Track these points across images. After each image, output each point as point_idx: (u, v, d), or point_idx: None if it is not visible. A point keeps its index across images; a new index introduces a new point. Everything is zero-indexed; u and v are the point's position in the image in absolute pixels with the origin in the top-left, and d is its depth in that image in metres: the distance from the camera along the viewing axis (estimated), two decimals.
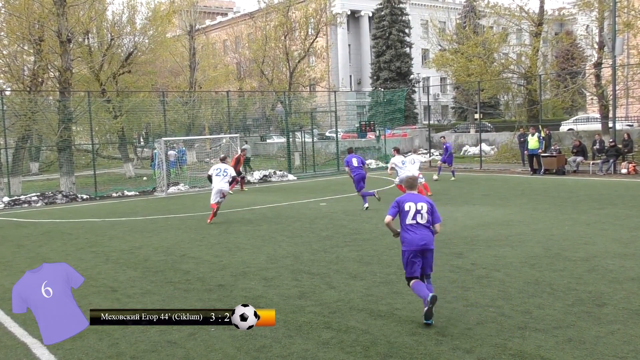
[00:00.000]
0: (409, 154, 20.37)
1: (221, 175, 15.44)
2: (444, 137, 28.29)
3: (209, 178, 15.81)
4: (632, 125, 36.28)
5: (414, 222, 6.94)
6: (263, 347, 6.22)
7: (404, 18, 61.97)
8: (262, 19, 39.70)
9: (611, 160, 23.88)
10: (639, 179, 21.68)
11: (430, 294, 6.60)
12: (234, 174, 16.17)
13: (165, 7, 35.31)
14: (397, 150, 18.92)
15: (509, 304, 7.31)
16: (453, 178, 23.69)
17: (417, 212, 6.94)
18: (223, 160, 16.67)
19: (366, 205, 16.20)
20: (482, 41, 32.46)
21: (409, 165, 17.86)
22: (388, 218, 7.12)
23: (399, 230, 7.15)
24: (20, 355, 6.36)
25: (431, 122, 44.33)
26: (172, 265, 10.27)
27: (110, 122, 30.11)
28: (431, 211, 7.02)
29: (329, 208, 16.92)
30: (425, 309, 6.60)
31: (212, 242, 12.34)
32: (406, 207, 6.98)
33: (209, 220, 15.21)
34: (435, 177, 23.56)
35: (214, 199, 15.35)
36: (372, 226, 13.44)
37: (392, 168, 18.30)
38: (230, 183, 16.53)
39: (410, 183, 7.46)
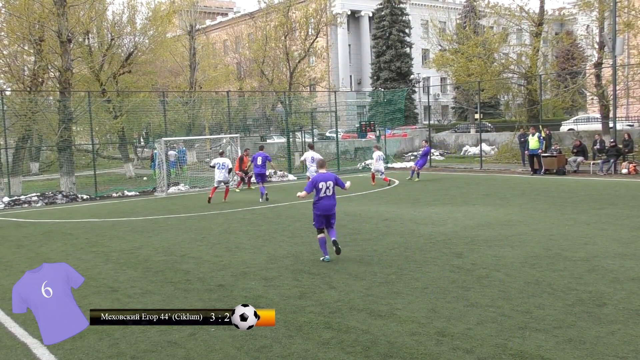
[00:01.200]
0: (375, 150, 24.10)
1: (221, 168, 19.71)
2: (426, 141, 27.95)
3: (213, 167, 20.37)
4: (632, 125, 36.29)
5: (324, 195, 10.01)
6: (263, 347, 6.21)
7: (404, 18, 62.00)
8: (262, 19, 39.69)
9: (612, 160, 23.88)
10: (639, 179, 21.67)
11: (334, 238, 10.04)
12: (230, 166, 20.42)
13: (165, 7, 35.33)
14: (312, 147, 21.80)
15: (509, 304, 7.31)
16: (409, 178, 24.30)
17: (327, 188, 10.00)
18: (221, 155, 21.15)
19: (263, 198, 19.46)
20: (482, 41, 32.47)
21: (376, 161, 23.15)
22: (304, 193, 10.11)
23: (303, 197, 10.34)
24: (20, 355, 6.36)
25: (431, 122, 44.33)
26: (172, 266, 10.27)
27: (111, 122, 30.11)
28: (336, 183, 10.16)
29: None
30: (335, 248, 10.00)
31: (213, 242, 12.34)
32: (320, 186, 9.97)
33: (210, 197, 19.41)
34: (412, 178, 24.32)
35: (215, 185, 19.93)
36: (372, 226, 13.44)
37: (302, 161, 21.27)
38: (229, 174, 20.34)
39: (321, 164, 10.63)
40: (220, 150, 22.48)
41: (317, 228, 10.21)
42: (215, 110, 35.84)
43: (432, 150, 35.60)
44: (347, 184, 10.40)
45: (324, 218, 10.09)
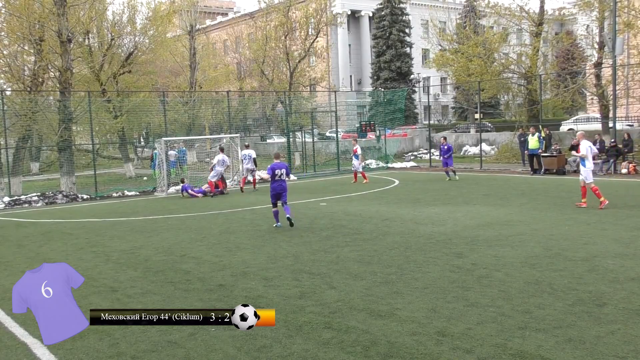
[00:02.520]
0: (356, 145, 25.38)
1: (246, 159, 23.22)
2: (445, 138, 26.52)
3: (242, 161, 23.54)
4: (632, 125, 36.26)
5: (279, 179, 13.62)
6: (263, 347, 6.22)
7: (404, 18, 61.94)
8: (262, 19, 39.67)
9: (611, 160, 23.89)
10: (639, 179, 21.67)
11: (288, 216, 13.48)
12: (254, 156, 23.46)
13: (165, 7, 35.32)
14: (222, 150, 23.05)
15: (509, 303, 7.31)
16: (457, 178, 23.72)
17: (281, 174, 13.63)
18: (247, 147, 24.24)
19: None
20: (483, 41, 32.47)
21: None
22: (267, 176, 13.96)
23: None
24: (20, 355, 6.36)
25: (431, 122, 44.33)
26: (172, 265, 10.27)
27: (111, 122, 30.11)
28: (287, 172, 13.84)
29: (329, 208, 16.94)
30: (288, 222, 13.53)
31: (213, 242, 12.34)
32: (276, 172, 13.58)
33: (241, 187, 22.85)
34: (451, 178, 23.63)
35: (244, 174, 23.33)
36: (372, 226, 13.45)
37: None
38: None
39: (277, 155, 14.40)
40: (246, 143, 25.19)
41: (272, 203, 13.91)
42: (215, 110, 35.79)
43: (432, 151, 35.58)
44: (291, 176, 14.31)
45: (277, 195, 13.73)
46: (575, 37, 42.66)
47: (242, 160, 23.74)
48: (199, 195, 21.87)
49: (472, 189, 20.55)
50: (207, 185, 22.29)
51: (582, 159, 15.07)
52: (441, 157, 24.40)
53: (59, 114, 24.26)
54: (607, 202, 14.81)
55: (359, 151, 24.94)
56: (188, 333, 6.68)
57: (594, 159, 16.71)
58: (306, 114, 34.31)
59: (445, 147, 23.84)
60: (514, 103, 37.28)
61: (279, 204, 13.82)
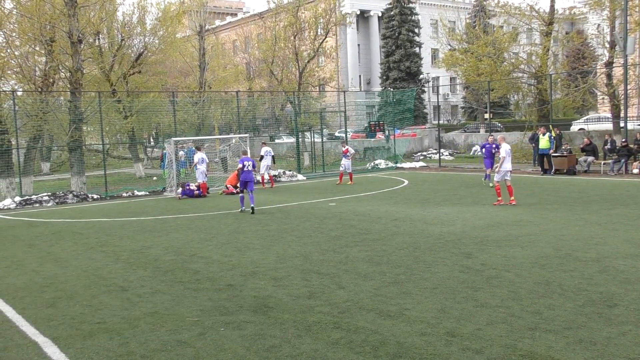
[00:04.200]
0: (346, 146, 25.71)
1: (267, 155, 24.87)
2: (491, 136, 23.01)
3: (261, 158, 25.03)
4: None
5: (247, 169, 16.37)
6: (272, 346, 6.22)
7: (413, 18, 61.85)
8: (271, 19, 39.74)
9: (622, 160, 23.72)
10: None
11: (252, 205, 16.40)
12: (272, 153, 25.49)
13: (175, 7, 35.44)
14: (199, 149, 23.84)
15: (519, 304, 7.28)
16: (486, 181, 21.43)
17: (248, 166, 16.44)
18: (264, 144, 25.85)
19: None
20: (492, 41, 32.36)
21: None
22: (239, 165, 16.86)
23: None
24: (31, 354, 6.40)
25: (441, 122, 44.21)
26: (182, 265, 10.31)
27: (121, 122, 30.26)
28: (252, 165, 16.75)
29: (338, 208, 16.93)
30: (250, 210, 16.45)
31: (222, 242, 12.37)
32: (245, 164, 16.46)
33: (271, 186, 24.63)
34: (487, 182, 21.26)
35: (262, 172, 24.77)
36: (381, 226, 13.43)
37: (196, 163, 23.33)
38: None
39: (244, 152, 18.72)
40: (263, 141, 27.19)
41: (240, 189, 16.79)
42: (224, 110, 35.91)
43: (442, 151, 35.47)
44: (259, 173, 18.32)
45: (245, 183, 16.40)
46: (586, 36, 42.37)
47: (261, 156, 25.12)
48: (182, 196, 21.77)
49: (481, 188, 20.47)
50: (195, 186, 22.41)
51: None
52: (485, 158, 21.38)
53: (70, 114, 24.40)
54: (502, 202, 16.15)
55: (351, 151, 25.42)
56: (197, 332, 6.70)
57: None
58: (315, 114, 34.33)
59: (494, 145, 20.70)
60: (524, 103, 37.13)
61: (246, 191, 16.58)
